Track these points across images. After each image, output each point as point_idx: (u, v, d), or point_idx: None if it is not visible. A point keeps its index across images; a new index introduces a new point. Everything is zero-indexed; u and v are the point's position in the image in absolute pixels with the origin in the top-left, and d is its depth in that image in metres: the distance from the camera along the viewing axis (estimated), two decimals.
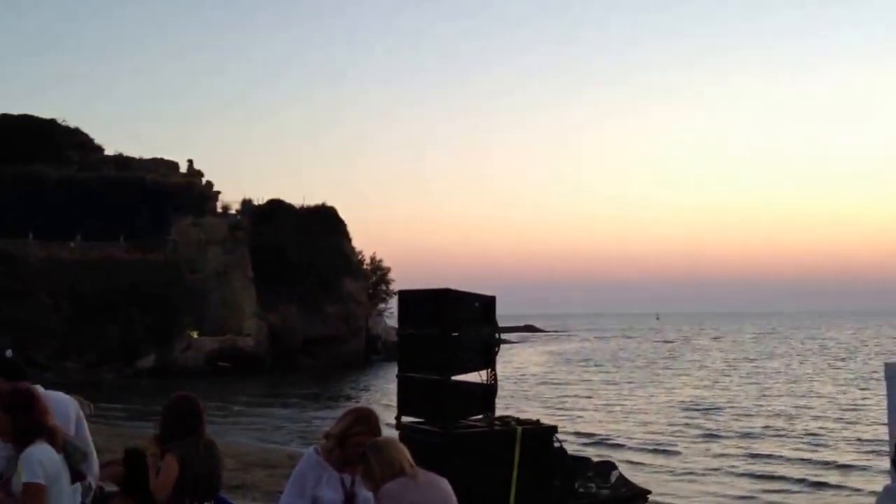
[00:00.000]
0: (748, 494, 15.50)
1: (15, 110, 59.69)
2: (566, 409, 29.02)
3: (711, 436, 22.26)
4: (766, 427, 23.70)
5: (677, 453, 19.95)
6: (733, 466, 18.09)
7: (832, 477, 16.99)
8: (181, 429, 5.71)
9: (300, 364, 49.33)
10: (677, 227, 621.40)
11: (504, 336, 9.67)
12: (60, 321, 43.01)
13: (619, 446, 20.62)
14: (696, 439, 21.87)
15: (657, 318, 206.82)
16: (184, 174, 59.04)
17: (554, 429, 9.22)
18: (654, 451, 20.27)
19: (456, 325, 8.49)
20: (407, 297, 8.94)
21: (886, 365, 7.26)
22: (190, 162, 59.92)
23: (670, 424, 24.76)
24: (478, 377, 8.60)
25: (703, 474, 17.36)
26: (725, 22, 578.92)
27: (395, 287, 63.62)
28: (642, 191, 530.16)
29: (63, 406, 6.05)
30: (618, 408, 29.72)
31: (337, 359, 51.18)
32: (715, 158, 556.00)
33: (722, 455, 19.59)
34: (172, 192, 54.62)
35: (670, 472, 17.65)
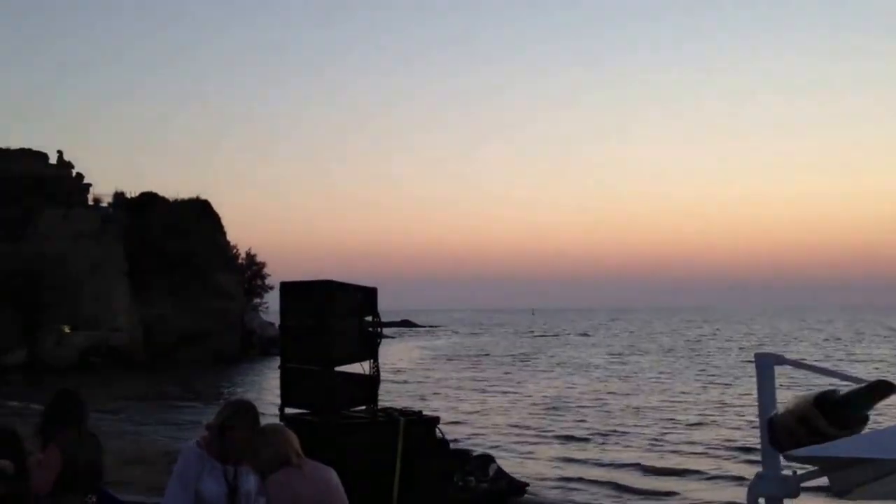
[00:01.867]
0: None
1: None
2: (441, 402, 29.36)
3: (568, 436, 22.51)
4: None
5: (546, 447, 20.42)
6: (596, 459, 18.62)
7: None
8: (63, 422, 5.63)
9: (174, 359, 48.36)
10: (573, 221, 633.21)
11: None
12: None
13: (494, 440, 20.95)
14: (556, 436, 22.21)
15: (532, 314, 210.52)
16: (53, 165, 56.81)
17: (436, 420, 9.38)
18: (528, 444, 20.71)
19: (337, 315, 8.54)
20: (288, 288, 8.92)
21: (756, 355, 7.75)
22: (60, 153, 57.72)
23: (531, 420, 25.28)
24: (360, 368, 8.67)
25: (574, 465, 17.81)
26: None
27: (270, 282, 63.06)
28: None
29: None
30: (487, 401, 30.33)
31: (212, 354, 50.40)
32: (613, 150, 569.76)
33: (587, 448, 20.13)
34: (41, 183, 52.58)
35: (546, 464, 18.08)
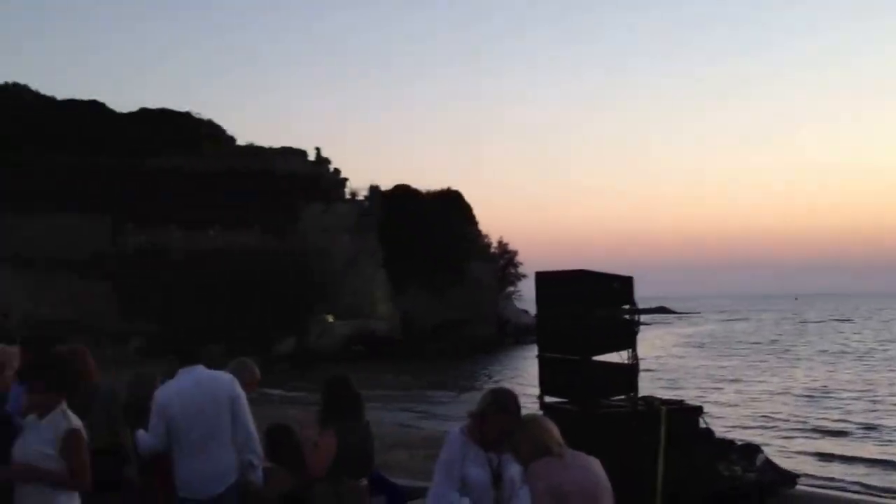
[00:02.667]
0: None
1: (154, 104, 62.38)
2: (706, 391, 28.45)
3: (865, 425, 21.03)
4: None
5: (825, 438, 19.18)
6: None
7: None
8: (338, 407, 5.88)
9: (430, 348, 49.81)
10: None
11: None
12: (202, 307, 44.67)
13: (766, 429, 19.97)
14: (819, 429, 20.84)
15: (795, 300, 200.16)
16: (312, 162, 60.30)
17: (700, 409, 9.01)
18: (801, 436, 19.57)
19: (595, 305, 8.39)
20: (544, 279, 8.88)
21: None
22: (318, 150, 61.22)
23: (807, 409, 23.85)
24: (618, 357, 8.48)
25: (851, 462, 16.60)
26: None
27: (522, 270, 63.68)
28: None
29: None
30: (757, 391, 28.91)
31: (466, 343, 51.46)
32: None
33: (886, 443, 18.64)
34: (301, 180, 55.85)
35: (819, 456, 16.97)
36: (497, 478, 4.82)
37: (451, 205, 57.97)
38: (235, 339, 45.06)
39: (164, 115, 60.29)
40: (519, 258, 66.51)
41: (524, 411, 4.88)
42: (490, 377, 37.84)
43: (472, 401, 5.67)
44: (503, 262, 65.11)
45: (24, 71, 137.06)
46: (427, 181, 75.83)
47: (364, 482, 5.96)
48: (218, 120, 64.88)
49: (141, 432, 6.16)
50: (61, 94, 59.68)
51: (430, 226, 53.89)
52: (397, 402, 27.48)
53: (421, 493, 6.53)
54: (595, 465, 4.44)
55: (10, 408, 5.62)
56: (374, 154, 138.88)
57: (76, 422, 5.25)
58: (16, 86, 59.64)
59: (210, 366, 6.47)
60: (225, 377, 6.31)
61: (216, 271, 46.52)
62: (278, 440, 6.35)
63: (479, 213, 61.96)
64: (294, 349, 46.64)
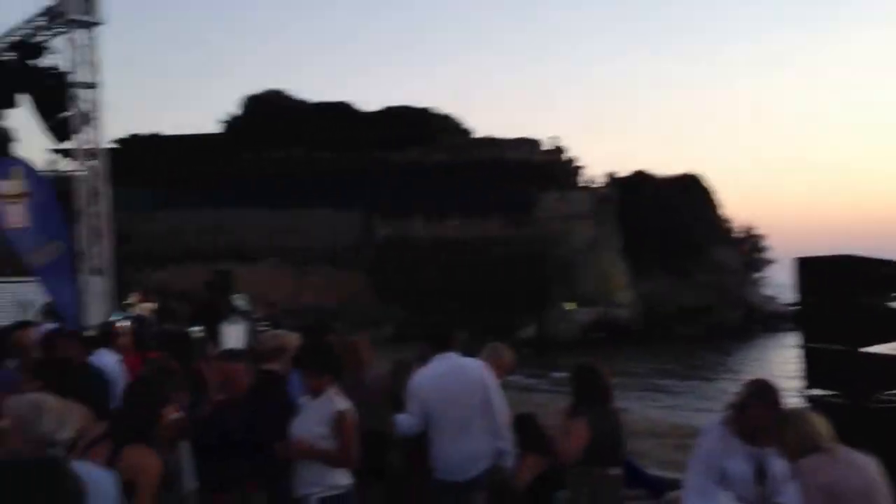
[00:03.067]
0: None
1: (394, 102, 65.00)
2: None
3: None
4: None
5: None
6: None
7: None
8: (589, 395, 5.87)
9: (673, 335, 48.65)
10: None
11: None
12: (447, 294, 45.99)
13: None
14: None
15: None
16: (547, 151, 60.55)
17: None
18: None
19: (862, 292, 7.83)
20: (806, 264, 8.39)
21: None
22: (553, 139, 61.45)
23: None
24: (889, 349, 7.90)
25: None
26: None
27: (771, 255, 60.84)
28: None
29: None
30: None
31: (710, 329, 49.84)
32: None
33: None
34: (537, 169, 56.17)
35: None
36: (760, 473, 4.64)
37: (690, 188, 56.41)
38: (479, 326, 46.27)
39: (406, 112, 62.62)
40: (765, 242, 63.56)
41: (786, 404, 4.67)
42: (740, 366, 36.40)
43: (723, 391, 5.46)
44: (748, 246, 62.39)
45: (283, 78, 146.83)
46: (666, 166, 74.21)
47: (617, 470, 5.92)
48: (455, 114, 66.56)
49: (401, 416, 6.37)
50: (315, 97, 63.34)
51: (670, 210, 52.63)
52: (640, 391, 27.07)
53: (674, 484, 6.39)
54: (870, 464, 4.16)
55: (290, 389, 6.01)
56: (610, 141, 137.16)
57: (345, 404, 5.58)
58: (275, 92, 64.18)
59: (461, 352, 6.69)
60: (477, 365, 6.41)
61: (459, 259, 47.74)
62: (525, 428, 6.42)
63: (722, 196, 60.09)
64: (534, 336, 47.02)
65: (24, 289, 21.00)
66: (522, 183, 53.43)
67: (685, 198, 54.67)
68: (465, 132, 64.82)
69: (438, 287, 46.56)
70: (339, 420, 5.45)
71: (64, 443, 3.94)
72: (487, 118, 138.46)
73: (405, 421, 6.35)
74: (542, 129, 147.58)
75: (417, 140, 58.47)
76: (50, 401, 4.01)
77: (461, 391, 6.18)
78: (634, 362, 37.09)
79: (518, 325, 46.82)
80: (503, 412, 6.23)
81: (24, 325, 8.12)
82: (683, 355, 39.56)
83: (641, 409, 21.38)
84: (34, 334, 7.54)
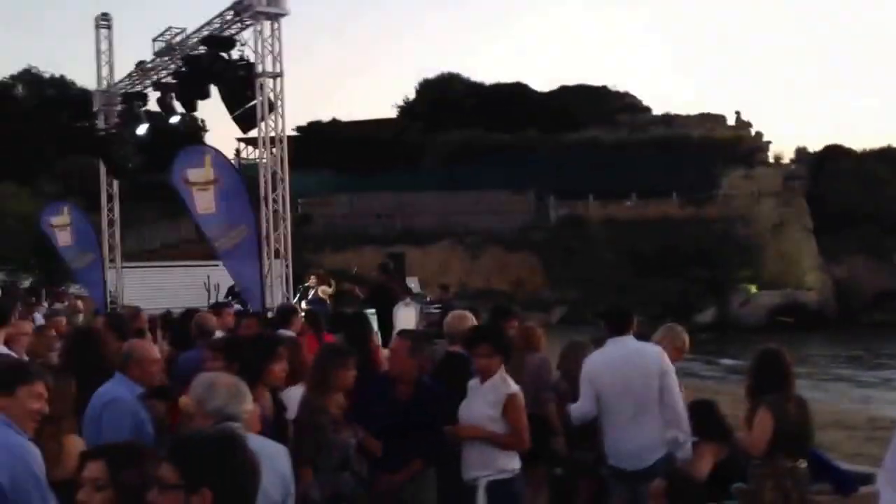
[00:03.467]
0: None
1: (571, 81, 64.42)
2: None
3: None
4: None
5: None
6: None
7: None
8: (771, 382, 5.56)
9: (868, 320, 45.77)
10: None
11: None
12: (622, 277, 45.32)
13: None
14: None
15: None
16: (731, 127, 58.43)
17: None
18: None
19: None
20: None
21: None
22: (737, 114, 59.19)
23: None
24: None
25: None
26: None
27: None
28: None
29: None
30: None
31: None
32: None
33: None
34: (720, 146, 54.34)
35: None
36: None
37: (891, 164, 52.66)
38: (655, 310, 45.30)
39: (582, 90, 61.96)
40: None
41: None
42: None
43: None
44: None
45: (457, 61, 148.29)
46: (864, 140, 69.64)
47: (804, 463, 5.57)
48: (634, 91, 65.25)
49: (574, 405, 6.31)
50: (489, 79, 63.77)
51: (869, 187, 49.38)
52: (830, 380, 25.68)
53: (866, 479, 5.97)
54: None
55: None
56: (799, 114, 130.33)
57: (514, 387, 5.54)
58: (450, 75, 64.96)
59: (637, 336, 6.48)
60: (653, 350, 6.26)
61: (635, 241, 46.88)
62: (703, 415, 6.09)
63: None
64: (714, 319, 45.55)
65: (214, 272, 22.28)
66: (705, 161, 51.80)
67: (886, 173, 51.10)
68: (645, 109, 63.53)
69: (613, 270, 45.90)
70: (509, 403, 5.42)
71: (238, 417, 4.07)
72: (668, 95, 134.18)
73: (578, 409, 6.26)
74: (726, 104, 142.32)
75: (595, 119, 57.82)
76: (223, 378, 4.15)
77: (635, 378, 6.04)
78: (822, 350, 35.21)
79: (696, 308, 45.52)
80: (678, 401, 6.03)
81: (217, 306, 8.54)
82: (874, 342, 37.14)
83: (829, 398, 20.30)
84: (227, 316, 7.88)
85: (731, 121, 59.02)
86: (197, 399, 4.05)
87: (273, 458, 3.98)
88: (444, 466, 5.71)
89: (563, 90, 61.99)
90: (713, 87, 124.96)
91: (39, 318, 13.67)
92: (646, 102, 64.65)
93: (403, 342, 5.75)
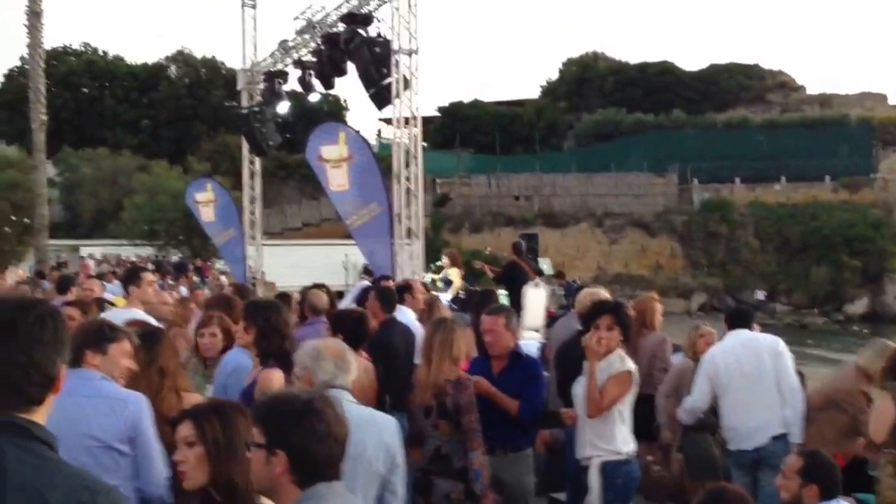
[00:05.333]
0: None
1: (721, 60, 62.28)
2: None
3: None
4: None
5: None
6: None
7: None
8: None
9: None
10: None
11: None
12: (768, 263, 43.67)
13: None
14: None
15: None
16: (893, 106, 55.27)
17: None
18: None
19: None
20: None
21: None
22: None
23: None
24: None
25: None
26: None
27: None
28: None
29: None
30: None
31: None
32: None
33: None
34: (880, 126, 51.49)
35: None
36: None
37: None
38: (803, 298, 43.44)
39: (732, 69, 59.88)
40: None
41: None
42: None
43: None
44: None
45: (602, 40, 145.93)
46: None
47: None
48: (789, 70, 62.54)
49: (685, 399, 6.37)
50: (635, 59, 62.31)
51: None
52: None
53: None
54: None
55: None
56: None
57: (631, 365, 5.35)
58: (594, 54, 63.96)
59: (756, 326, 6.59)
60: (766, 336, 6.37)
61: (782, 226, 45.02)
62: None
63: None
64: (867, 310, 43.27)
65: (352, 251, 22.66)
66: (861, 142, 49.19)
67: None
68: (798, 88, 60.88)
69: (758, 256, 44.25)
70: (615, 375, 5.29)
71: (345, 387, 4.05)
72: (824, 74, 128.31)
73: (690, 402, 6.34)
74: (889, 82, 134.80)
75: (744, 99, 55.82)
76: (330, 346, 4.16)
77: (752, 357, 6.10)
78: None
79: (848, 298, 43.39)
80: (793, 379, 6.07)
81: (318, 286, 8.60)
82: None
83: None
84: (323, 296, 7.90)
85: (893, 100, 55.89)
86: (302, 366, 4.07)
87: (381, 428, 3.94)
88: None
89: (712, 69, 60.03)
90: (875, 64, 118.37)
91: (184, 291, 14.28)
92: (800, 81, 61.87)
93: (498, 317, 5.67)
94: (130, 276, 7.27)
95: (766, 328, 7.42)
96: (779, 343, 6.15)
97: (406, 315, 7.69)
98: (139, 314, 6.36)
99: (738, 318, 6.47)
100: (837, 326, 39.98)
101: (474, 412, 5.02)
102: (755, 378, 6.01)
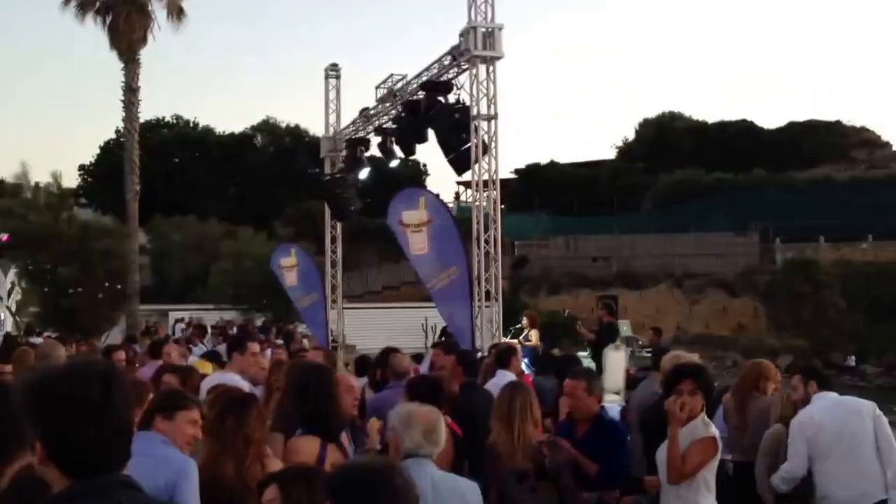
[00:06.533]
0: None
1: (800, 117, 61.49)
2: None
3: None
4: None
5: None
6: None
7: None
8: None
9: None
10: None
11: None
12: (856, 323, 42.38)
13: None
14: None
15: None
16: None
17: None
18: None
19: None
20: None
21: None
22: None
23: None
24: None
25: None
26: None
27: None
28: None
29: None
30: None
31: None
32: None
33: None
34: None
35: None
36: None
37: None
38: (892, 359, 41.91)
39: (812, 126, 59.05)
40: None
41: None
42: None
43: None
44: None
45: (680, 100, 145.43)
46: None
47: None
48: (873, 126, 61.33)
49: (782, 466, 6.17)
50: (713, 118, 61.98)
51: None
52: None
53: None
54: None
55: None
56: None
57: (714, 431, 5.31)
58: (671, 114, 63.83)
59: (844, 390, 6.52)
60: (858, 399, 6.27)
61: (870, 285, 43.73)
62: None
63: None
64: None
65: (432, 313, 22.82)
66: None
67: None
68: (884, 145, 59.61)
69: (845, 316, 42.99)
70: (697, 442, 5.23)
71: (431, 455, 4.11)
72: None
73: (789, 470, 6.13)
74: None
75: (827, 156, 54.90)
76: (422, 412, 4.22)
77: (851, 420, 5.96)
78: None
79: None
80: (893, 441, 5.89)
81: (392, 350, 8.70)
82: None
83: None
84: (405, 359, 7.96)
85: None
86: (392, 429, 4.14)
87: (464, 494, 4.01)
88: None
89: (792, 126, 59.27)
90: None
91: (269, 355, 14.60)
92: (885, 137, 60.56)
93: (579, 381, 5.73)
94: (237, 343, 7.52)
95: (858, 391, 7.32)
96: (874, 405, 6.02)
97: (503, 378, 7.69)
98: (235, 379, 6.57)
99: (824, 380, 6.35)
100: None
101: (572, 472, 5.07)
102: (857, 443, 5.85)
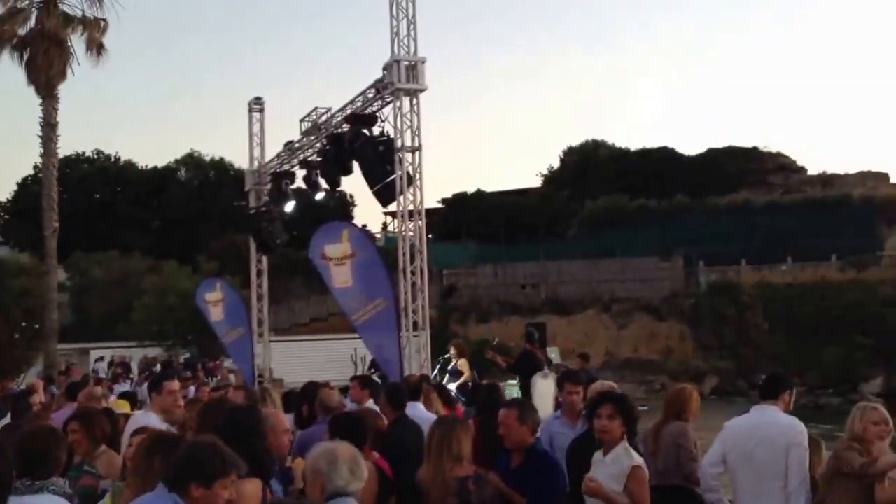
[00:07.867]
0: None
1: (719, 143, 63.17)
2: None
3: None
4: None
5: None
6: None
7: None
8: None
9: None
10: None
11: None
12: (778, 345, 43.38)
13: None
14: None
15: None
16: (895, 185, 55.71)
17: None
18: None
19: None
20: None
21: None
22: None
23: None
24: None
25: None
26: None
27: None
28: None
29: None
30: None
31: None
32: None
33: None
34: (883, 205, 51.73)
35: None
36: None
37: None
38: (815, 378, 43.01)
39: (731, 152, 60.64)
40: None
41: None
42: None
43: None
44: None
45: (604, 129, 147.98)
46: None
47: None
48: (788, 151, 63.29)
49: (703, 465, 6.26)
50: (634, 145, 63.32)
51: None
52: None
53: None
54: None
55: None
56: None
57: (638, 459, 5.33)
58: (594, 142, 64.95)
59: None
60: (786, 422, 6.11)
61: (790, 307, 44.89)
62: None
63: None
64: (883, 389, 42.72)
65: (360, 345, 22.68)
66: (866, 221, 49.37)
67: None
68: (800, 170, 61.51)
69: (768, 338, 44.01)
70: (632, 475, 5.24)
71: (355, 494, 4.04)
72: (824, 154, 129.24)
73: (703, 468, 6.26)
74: (889, 161, 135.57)
75: (745, 181, 56.36)
76: (345, 451, 4.14)
77: (761, 449, 5.95)
78: None
79: (862, 377, 42.95)
80: (802, 475, 5.89)
81: (322, 384, 8.61)
82: None
83: None
84: (335, 394, 7.90)
85: (894, 178, 56.31)
86: (315, 469, 4.05)
87: None
88: None
89: (711, 153, 60.82)
90: (874, 143, 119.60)
91: (192, 392, 14.30)
92: (800, 162, 62.55)
93: (511, 411, 5.71)
94: (154, 384, 7.35)
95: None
96: (797, 431, 5.96)
97: (418, 410, 7.70)
98: (153, 420, 6.45)
99: (768, 388, 6.24)
100: (851, 405, 39.45)
101: None
102: (764, 470, 5.89)
